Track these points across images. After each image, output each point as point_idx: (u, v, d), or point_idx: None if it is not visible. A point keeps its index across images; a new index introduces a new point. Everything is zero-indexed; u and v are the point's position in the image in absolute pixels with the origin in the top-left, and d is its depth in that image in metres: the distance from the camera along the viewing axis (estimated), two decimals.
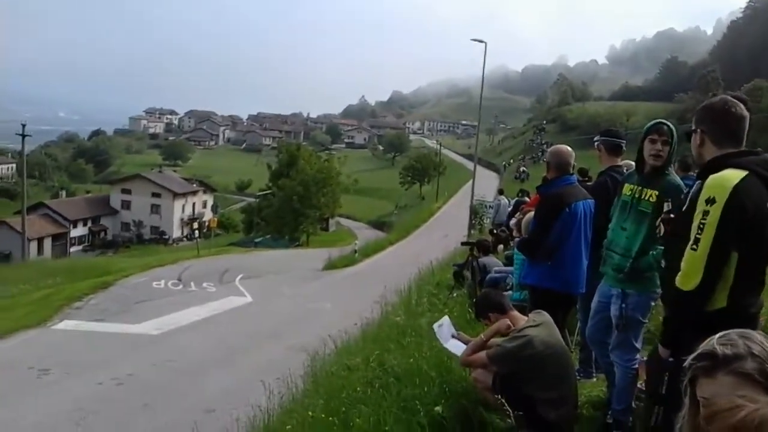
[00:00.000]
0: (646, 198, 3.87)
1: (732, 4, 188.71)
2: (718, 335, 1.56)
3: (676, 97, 79.91)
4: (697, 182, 2.79)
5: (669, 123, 3.94)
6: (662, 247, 3.67)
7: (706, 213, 2.58)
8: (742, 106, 2.81)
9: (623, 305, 3.95)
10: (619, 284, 4.00)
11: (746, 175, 2.58)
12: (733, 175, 2.59)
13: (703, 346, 1.56)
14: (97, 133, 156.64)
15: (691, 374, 1.55)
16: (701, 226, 2.59)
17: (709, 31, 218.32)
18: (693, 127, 2.92)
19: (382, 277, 16.13)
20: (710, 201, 2.57)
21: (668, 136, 3.85)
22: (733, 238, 2.57)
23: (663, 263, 3.27)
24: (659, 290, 3.83)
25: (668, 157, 3.87)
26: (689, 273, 2.64)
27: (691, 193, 2.81)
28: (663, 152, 3.83)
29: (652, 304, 4.05)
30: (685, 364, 1.59)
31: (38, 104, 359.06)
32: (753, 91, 56.21)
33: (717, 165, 2.71)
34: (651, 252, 3.82)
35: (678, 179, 3.91)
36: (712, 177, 2.64)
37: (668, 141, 3.84)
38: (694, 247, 2.61)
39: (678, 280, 2.69)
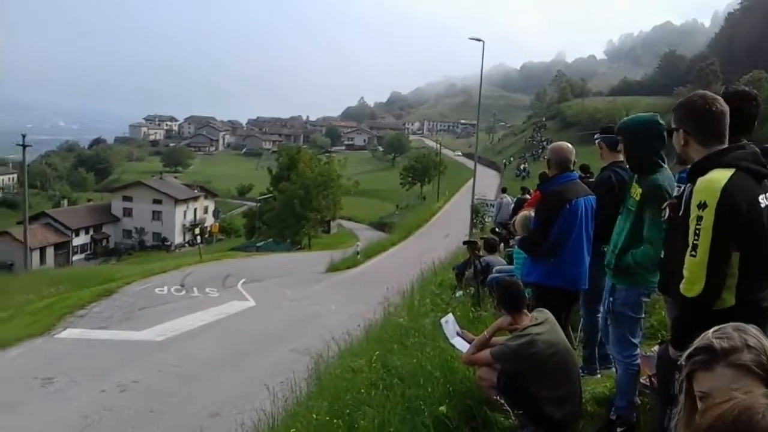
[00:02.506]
0: (634, 195, 3.86)
1: None
2: (712, 330, 1.57)
3: (675, 91, 79.86)
4: (688, 185, 2.78)
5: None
6: (645, 246, 3.72)
7: (700, 218, 2.55)
8: (721, 100, 2.78)
9: (610, 299, 3.97)
10: (610, 279, 4.03)
11: (733, 174, 2.56)
12: (720, 176, 2.57)
13: (699, 341, 1.56)
14: (97, 141, 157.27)
15: (689, 369, 1.55)
16: (697, 231, 2.56)
17: (707, 24, 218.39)
18: (674, 126, 2.90)
19: (385, 278, 16.12)
20: (702, 206, 2.55)
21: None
22: (731, 239, 2.55)
23: (662, 254, 3.25)
24: (652, 286, 3.84)
25: (633, 157, 3.89)
26: (692, 280, 2.61)
27: (684, 197, 2.79)
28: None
29: (644, 299, 4.01)
30: (681, 360, 1.59)
31: (37, 114, 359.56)
32: (752, 82, 56.22)
33: (704, 166, 2.69)
34: (632, 250, 3.82)
35: (662, 177, 3.81)
36: (700, 180, 2.62)
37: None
38: (693, 253, 2.58)
39: (682, 287, 2.66)
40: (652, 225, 3.69)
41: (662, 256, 3.23)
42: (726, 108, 2.77)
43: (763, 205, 2.60)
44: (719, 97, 2.80)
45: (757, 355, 1.48)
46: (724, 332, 1.54)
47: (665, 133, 3.79)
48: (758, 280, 2.68)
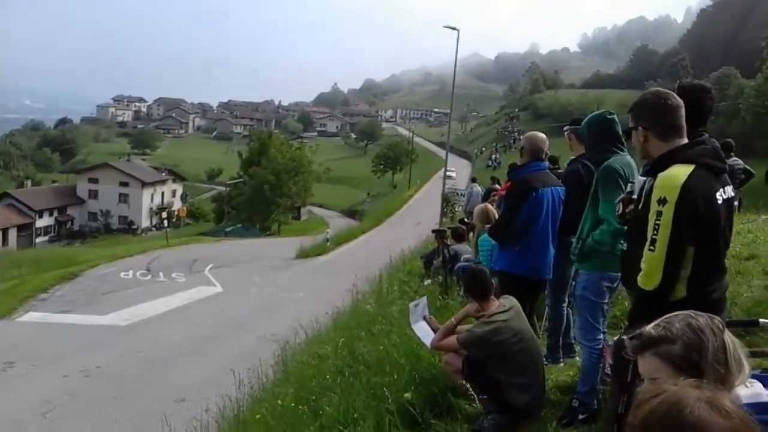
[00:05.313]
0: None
1: None
2: (663, 317, 1.61)
3: (646, 85, 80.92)
4: (648, 180, 2.81)
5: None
6: (600, 230, 3.80)
7: (659, 213, 2.59)
8: (675, 95, 2.83)
9: (573, 283, 4.12)
10: (575, 265, 4.17)
11: (693, 170, 2.61)
12: (681, 172, 2.61)
13: (644, 327, 1.62)
14: (63, 121, 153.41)
15: (629, 352, 1.63)
16: (656, 226, 2.61)
17: (679, 20, 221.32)
18: (631, 125, 2.94)
19: (354, 266, 16.12)
20: (662, 201, 2.59)
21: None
22: (688, 235, 2.60)
23: (624, 246, 3.30)
24: (614, 274, 3.88)
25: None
26: (650, 273, 2.67)
27: (644, 191, 2.83)
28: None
29: (607, 285, 4.02)
30: (625, 341, 1.66)
31: (2, 92, 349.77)
32: (721, 78, 57.23)
33: (665, 160, 2.72)
34: (591, 234, 3.90)
35: (615, 161, 3.88)
36: (661, 176, 2.66)
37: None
38: (652, 248, 2.63)
39: (639, 280, 2.72)
40: (604, 203, 3.78)
41: (624, 248, 3.27)
42: (680, 102, 2.81)
43: (719, 201, 2.66)
44: (672, 92, 2.86)
45: (686, 351, 1.50)
46: (667, 321, 1.58)
47: (617, 127, 3.94)
48: (709, 273, 2.75)
